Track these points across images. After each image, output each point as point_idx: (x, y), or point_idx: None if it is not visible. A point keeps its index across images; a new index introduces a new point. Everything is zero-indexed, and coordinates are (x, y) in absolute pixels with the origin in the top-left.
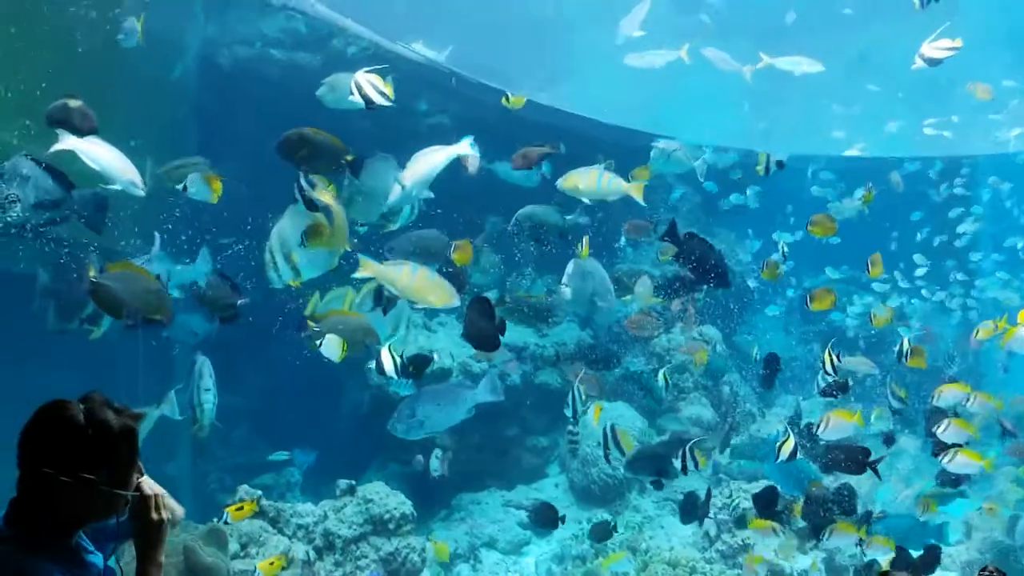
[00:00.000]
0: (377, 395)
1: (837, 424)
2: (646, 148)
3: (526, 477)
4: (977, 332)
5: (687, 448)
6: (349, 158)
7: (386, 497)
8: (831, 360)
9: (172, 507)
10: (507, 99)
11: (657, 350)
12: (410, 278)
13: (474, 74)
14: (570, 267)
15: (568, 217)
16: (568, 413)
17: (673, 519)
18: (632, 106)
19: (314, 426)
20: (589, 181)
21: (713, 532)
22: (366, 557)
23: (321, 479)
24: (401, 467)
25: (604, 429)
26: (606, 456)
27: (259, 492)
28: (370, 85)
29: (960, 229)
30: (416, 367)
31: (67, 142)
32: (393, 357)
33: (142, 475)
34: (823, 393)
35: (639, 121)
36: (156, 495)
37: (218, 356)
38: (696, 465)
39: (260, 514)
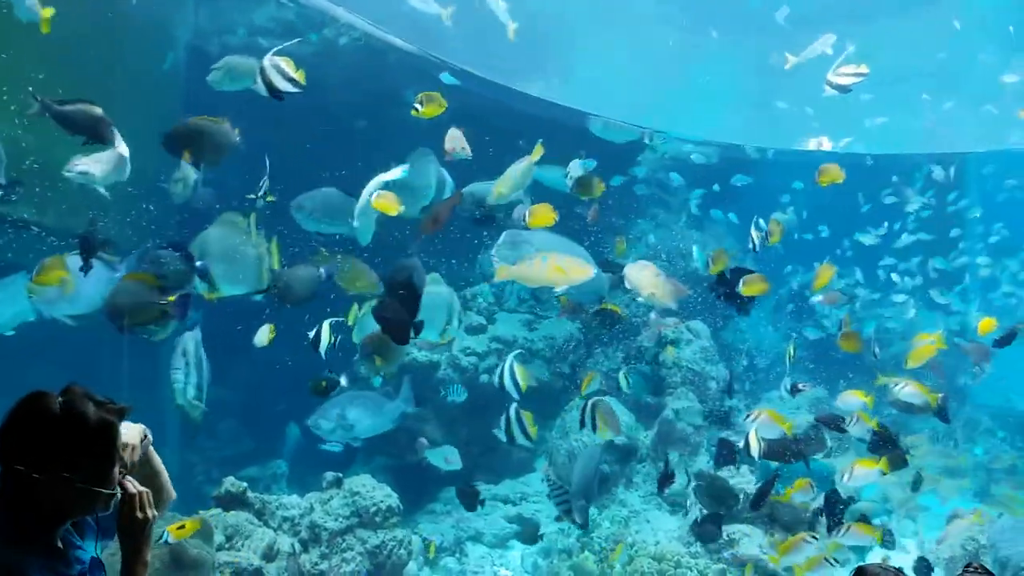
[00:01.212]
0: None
1: (766, 422)
2: (639, 141)
3: (514, 471)
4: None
5: (588, 405)
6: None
7: (373, 490)
8: (791, 357)
9: (167, 490)
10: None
11: (645, 344)
12: (542, 268)
13: (467, 65)
14: (501, 237)
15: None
16: (510, 389)
17: (659, 513)
18: (627, 101)
19: (300, 419)
20: (506, 177)
21: None
22: (352, 549)
23: (308, 471)
24: (387, 460)
25: (507, 412)
26: (510, 440)
27: (244, 484)
28: (276, 71)
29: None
30: (324, 390)
31: (123, 148)
32: (330, 337)
33: (127, 471)
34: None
35: (634, 116)
36: (141, 493)
37: (204, 348)
38: (594, 427)
39: (246, 506)
